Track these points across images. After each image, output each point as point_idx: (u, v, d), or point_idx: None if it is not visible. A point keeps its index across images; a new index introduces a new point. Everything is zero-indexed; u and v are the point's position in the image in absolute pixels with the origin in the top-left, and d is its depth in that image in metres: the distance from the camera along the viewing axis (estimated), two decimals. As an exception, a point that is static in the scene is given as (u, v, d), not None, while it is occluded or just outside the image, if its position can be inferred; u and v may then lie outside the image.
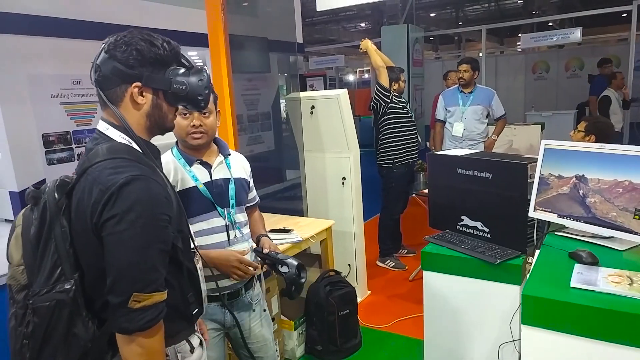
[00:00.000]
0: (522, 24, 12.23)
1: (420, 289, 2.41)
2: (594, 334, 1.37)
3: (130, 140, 1.14)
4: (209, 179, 1.74)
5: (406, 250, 4.44)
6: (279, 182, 7.00)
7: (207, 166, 1.76)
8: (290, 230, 2.75)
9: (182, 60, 1.19)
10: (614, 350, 1.35)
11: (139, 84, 1.11)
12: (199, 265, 1.31)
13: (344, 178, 3.46)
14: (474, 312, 2.25)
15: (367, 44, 3.90)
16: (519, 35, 10.63)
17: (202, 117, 1.67)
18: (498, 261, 2.05)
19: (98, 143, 1.13)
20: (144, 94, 1.13)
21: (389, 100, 3.90)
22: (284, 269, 1.66)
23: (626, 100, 6.03)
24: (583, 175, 1.81)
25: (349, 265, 3.55)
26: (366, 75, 18.67)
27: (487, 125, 4.33)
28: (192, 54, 6.05)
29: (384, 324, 3.22)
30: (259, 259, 1.80)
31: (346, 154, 3.42)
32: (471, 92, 4.23)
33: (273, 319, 2.73)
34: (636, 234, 1.64)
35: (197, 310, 1.27)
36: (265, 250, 1.77)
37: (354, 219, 3.50)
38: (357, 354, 2.90)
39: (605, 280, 1.43)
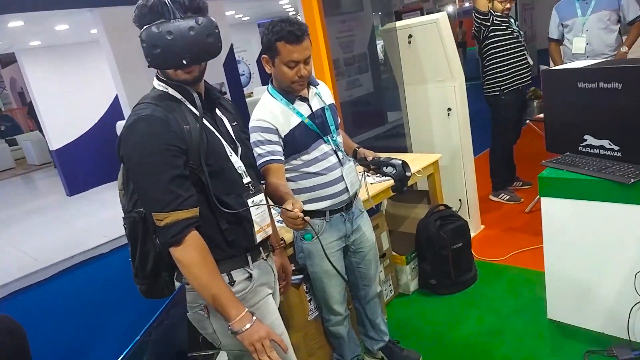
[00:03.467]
0: None
1: (538, 221, 2.26)
2: None
3: (167, 86, 1.32)
4: (311, 112, 1.84)
5: (521, 183, 4.16)
6: (380, 125, 6.90)
7: (305, 100, 1.84)
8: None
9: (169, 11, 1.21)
10: None
11: None
12: (255, 199, 1.42)
13: (449, 109, 3.29)
14: (603, 238, 2.07)
15: None
16: None
17: (306, 66, 1.73)
18: (632, 180, 1.83)
19: (150, 92, 1.35)
20: None
21: (489, 24, 3.56)
22: (390, 169, 1.83)
23: None
24: None
25: (460, 200, 3.43)
26: (467, 4, 17.25)
27: (620, 33, 3.58)
28: (283, 2, 6.02)
29: (500, 257, 3.10)
30: (364, 166, 1.98)
31: (450, 82, 3.22)
32: None
33: (384, 255, 2.78)
34: None
35: (234, 237, 1.38)
36: (369, 158, 1.92)
37: (462, 152, 3.34)
38: (473, 286, 2.85)
39: None
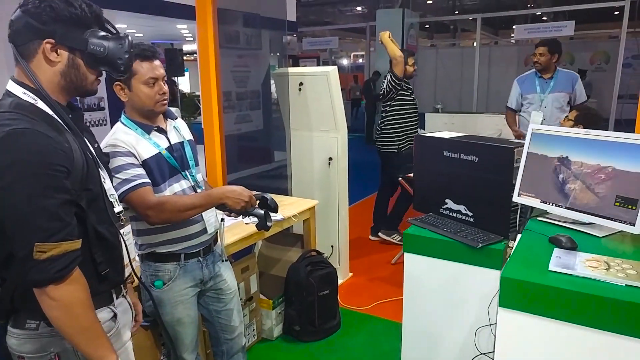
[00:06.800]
0: (516, 15, 12.18)
1: (402, 273, 2.39)
2: (569, 317, 1.35)
3: (36, 98, 1.12)
4: (169, 144, 1.77)
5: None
6: (267, 162, 6.92)
7: (163, 132, 1.78)
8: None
9: (107, 25, 1.20)
10: (587, 333, 1.34)
11: (52, 40, 1.11)
12: (125, 230, 1.32)
13: (330, 158, 3.42)
14: (453, 295, 2.24)
15: (384, 36, 3.90)
16: (514, 27, 10.60)
17: (164, 85, 1.69)
18: (480, 245, 2.03)
19: (3, 99, 1.13)
20: (58, 51, 1.13)
21: (399, 88, 3.98)
22: (252, 220, 1.80)
23: None
24: (567, 157, 1.79)
25: (332, 246, 3.53)
26: (360, 60, 18.40)
27: None
28: (181, 27, 5.92)
29: (364, 306, 3.22)
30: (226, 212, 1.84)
31: (334, 133, 3.37)
32: (551, 78, 3.81)
33: (251, 298, 2.71)
34: (615, 220, 1.63)
35: (107, 271, 1.23)
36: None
37: (339, 201, 3.47)
38: (335, 335, 2.89)
39: (583, 265, 1.42)
